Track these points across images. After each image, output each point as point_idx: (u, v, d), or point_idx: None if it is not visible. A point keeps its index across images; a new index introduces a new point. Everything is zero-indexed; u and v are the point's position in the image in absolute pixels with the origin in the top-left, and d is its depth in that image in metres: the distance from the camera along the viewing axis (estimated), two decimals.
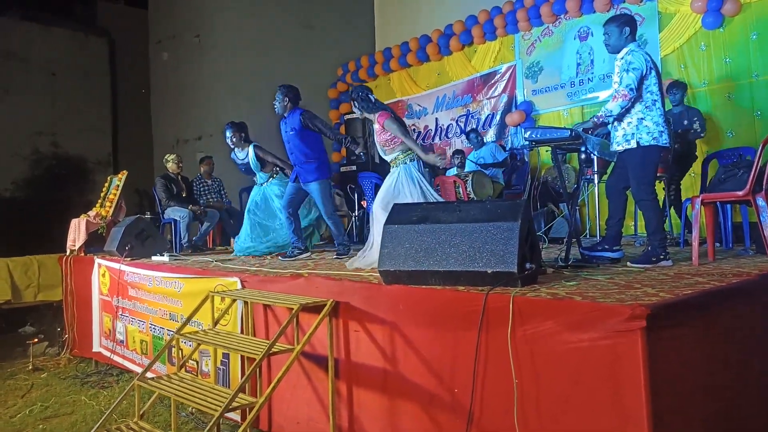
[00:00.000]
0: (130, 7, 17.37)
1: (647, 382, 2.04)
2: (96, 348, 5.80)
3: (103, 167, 16.59)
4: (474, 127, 7.83)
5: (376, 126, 4.22)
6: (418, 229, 2.91)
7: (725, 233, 4.60)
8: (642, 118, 3.50)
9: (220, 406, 2.67)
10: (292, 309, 3.08)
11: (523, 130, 3.69)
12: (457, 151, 7.06)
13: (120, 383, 5.35)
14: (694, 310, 2.29)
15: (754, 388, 2.62)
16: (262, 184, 5.58)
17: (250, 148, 5.43)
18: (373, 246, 3.95)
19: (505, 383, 2.43)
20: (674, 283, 2.70)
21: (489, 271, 2.68)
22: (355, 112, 4.41)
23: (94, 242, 6.40)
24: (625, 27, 3.63)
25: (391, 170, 4.26)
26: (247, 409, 3.49)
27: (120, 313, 5.31)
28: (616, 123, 3.60)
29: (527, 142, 3.63)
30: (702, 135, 5.32)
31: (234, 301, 3.62)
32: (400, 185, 4.07)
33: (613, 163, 4.16)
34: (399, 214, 3.07)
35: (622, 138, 3.55)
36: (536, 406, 2.35)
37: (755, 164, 3.29)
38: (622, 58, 3.59)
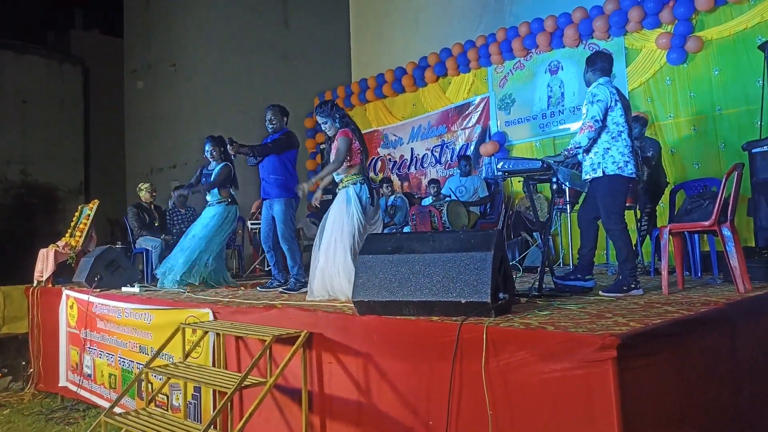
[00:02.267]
0: (106, 35, 17.36)
1: (619, 412, 2.05)
2: (62, 382, 5.61)
3: (74, 196, 16.33)
4: (458, 155, 7.89)
5: (334, 143, 4.13)
6: (392, 260, 2.91)
7: (693, 262, 4.70)
8: (608, 148, 3.61)
9: None
10: (265, 341, 3.04)
11: (496, 161, 3.72)
12: (432, 181, 7.12)
13: (86, 419, 5.17)
14: (663, 338, 2.32)
15: (726, 415, 2.64)
16: (208, 205, 5.39)
17: (221, 165, 5.31)
18: (316, 275, 3.91)
19: (479, 414, 2.42)
20: (644, 312, 2.74)
21: (463, 301, 2.69)
22: (328, 131, 4.22)
23: (63, 273, 6.25)
24: (597, 62, 3.78)
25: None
26: None
27: (88, 346, 5.16)
28: (584, 154, 3.69)
29: (501, 173, 3.68)
30: (652, 163, 5.39)
31: (206, 333, 3.55)
32: (334, 207, 3.99)
33: (584, 194, 4.25)
34: (373, 244, 3.07)
35: (589, 167, 3.65)
36: None
37: (720, 195, 3.39)
38: (588, 92, 3.72)
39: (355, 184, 3.98)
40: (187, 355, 3.53)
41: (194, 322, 3.67)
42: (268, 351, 2.93)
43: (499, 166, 3.66)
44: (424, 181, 8.40)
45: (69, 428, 4.93)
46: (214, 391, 3.60)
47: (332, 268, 3.78)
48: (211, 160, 5.42)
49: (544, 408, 2.26)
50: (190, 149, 9.71)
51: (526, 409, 2.31)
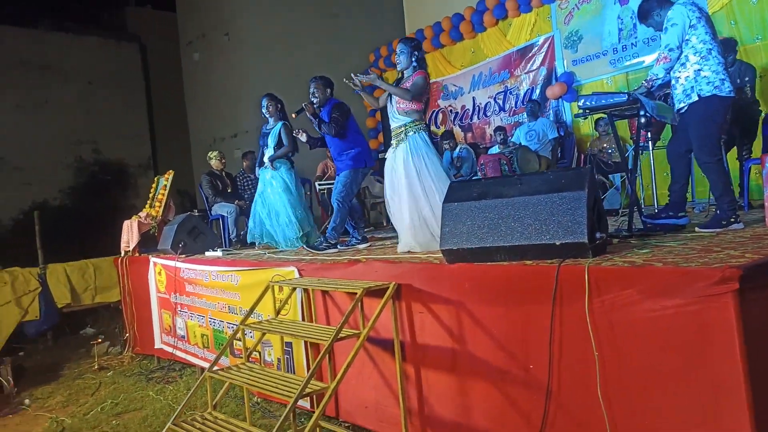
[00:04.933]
0: (158, 10, 17.61)
1: (742, 348, 1.95)
2: (158, 345, 5.94)
3: (143, 170, 16.99)
4: (526, 99, 7.61)
5: (407, 80, 3.95)
6: (479, 206, 2.85)
7: None
8: (699, 69, 3.36)
9: (293, 393, 2.68)
10: (354, 294, 3.08)
11: (577, 99, 3.54)
12: (499, 128, 6.92)
13: (183, 377, 5.47)
14: None
15: None
16: (262, 165, 5.39)
17: (279, 124, 5.30)
18: (402, 230, 3.85)
19: (583, 356, 2.37)
20: (756, 244, 2.58)
21: (557, 243, 2.61)
22: (399, 63, 4.03)
23: (147, 242, 6.55)
24: (653, 4, 3.55)
25: (392, 141, 4.00)
26: (314, 396, 3.53)
27: (179, 309, 5.41)
28: (674, 82, 3.46)
29: (581, 111, 3.50)
30: (750, 100, 5.02)
31: (294, 289, 3.63)
32: (403, 155, 3.83)
33: (668, 126, 4.00)
34: (457, 191, 3.02)
35: (682, 94, 3.41)
36: (619, 379, 2.28)
37: None
38: (666, 16, 3.46)
39: (421, 131, 3.85)
40: (278, 312, 3.63)
41: (281, 280, 3.75)
42: (359, 304, 2.95)
43: (580, 104, 3.47)
44: (489, 130, 8.18)
45: (169, 386, 5.24)
46: (306, 345, 3.72)
47: (425, 215, 3.71)
48: (267, 116, 5.40)
49: (654, 347, 2.18)
50: (248, 116, 9.79)
51: (634, 349, 2.24)
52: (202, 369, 5.21)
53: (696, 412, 2.06)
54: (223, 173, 6.94)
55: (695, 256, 2.39)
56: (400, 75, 4.09)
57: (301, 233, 5.11)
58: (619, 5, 6.73)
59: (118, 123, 16.21)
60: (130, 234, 6.50)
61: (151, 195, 6.93)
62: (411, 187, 3.77)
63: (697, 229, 3.39)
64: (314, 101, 4.76)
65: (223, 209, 6.53)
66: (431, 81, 8.88)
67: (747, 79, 4.96)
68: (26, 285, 7.40)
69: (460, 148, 6.95)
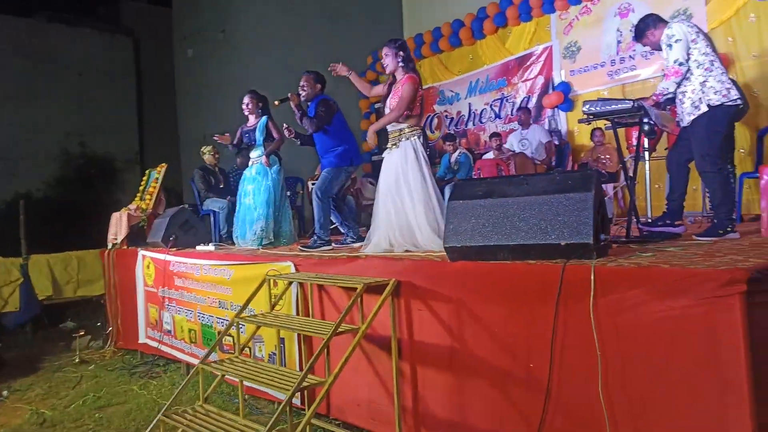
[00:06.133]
0: (154, 5, 17.50)
1: (747, 350, 1.95)
2: (142, 339, 5.83)
3: (130, 166, 16.78)
4: (517, 108, 7.66)
5: (397, 87, 3.95)
6: (484, 204, 2.84)
7: None
8: (704, 81, 3.42)
9: (290, 386, 2.63)
10: (352, 290, 3.04)
11: (584, 104, 3.56)
12: (494, 134, 6.95)
13: (168, 373, 5.39)
14: None
15: None
16: (251, 164, 5.32)
17: (263, 118, 5.24)
18: (377, 229, 3.86)
19: (585, 357, 2.35)
20: (755, 250, 2.60)
21: (562, 243, 2.60)
22: (386, 66, 4.03)
23: (136, 235, 6.45)
24: (647, 21, 3.71)
25: (389, 143, 3.99)
26: (305, 393, 3.49)
27: (166, 303, 5.32)
28: (681, 96, 3.50)
29: (585, 116, 3.52)
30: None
31: (290, 284, 3.59)
32: (397, 159, 3.84)
33: (663, 138, 4.04)
34: (462, 189, 3.00)
35: (690, 106, 3.44)
36: (622, 380, 2.27)
37: None
38: (664, 34, 3.53)
39: (418, 136, 3.86)
40: (273, 307, 3.58)
41: (278, 275, 3.70)
42: (359, 299, 2.92)
43: (585, 109, 3.49)
44: (483, 137, 8.21)
45: (153, 381, 5.15)
46: (300, 340, 3.67)
47: (405, 221, 3.73)
48: (247, 113, 5.35)
49: (659, 349, 2.17)
50: (241, 114, 9.73)
51: (638, 350, 2.23)
52: (188, 364, 5.14)
53: (701, 414, 2.06)
54: (217, 169, 6.87)
55: (699, 259, 2.40)
56: (390, 79, 4.10)
57: (272, 235, 5.11)
58: (618, 18, 6.81)
59: (106, 117, 16.04)
60: (118, 226, 6.39)
61: (141, 188, 6.84)
62: (398, 190, 3.80)
63: (694, 237, 3.41)
64: (302, 94, 4.70)
65: (214, 204, 6.45)
66: (428, 86, 9.03)
67: None
68: (8, 275, 7.26)
69: (459, 153, 6.96)
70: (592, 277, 2.31)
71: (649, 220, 4.24)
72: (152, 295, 5.62)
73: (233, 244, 5.73)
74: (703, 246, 3.00)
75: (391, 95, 3.99)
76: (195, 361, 4.89)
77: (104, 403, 4.65)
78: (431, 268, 3.03)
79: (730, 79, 3.40)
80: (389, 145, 4.00)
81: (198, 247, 5.30)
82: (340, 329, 2.88)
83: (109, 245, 6.56)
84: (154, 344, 5.60)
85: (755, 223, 4.13)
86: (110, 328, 6.53)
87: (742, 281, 1.94)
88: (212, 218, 6.40)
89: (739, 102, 3.41)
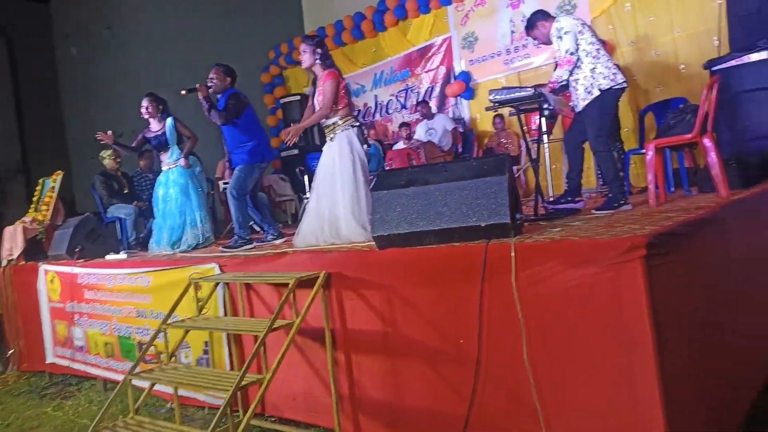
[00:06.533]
0: (29, 1, 16.10)
1: (650, 308, 2.19)
2: (50, 359, 5.47)
3: (13, 175, 15.41)
4: (420, 99, 7.89)
5: (319, 85, 4.00)
6: (407, 193, 2.96)
7: (667, 178, 4.95)
8: (594, 68, 3.74)
9: (229, 387, 2.63)
10: (282, 286, 3.07)
11: (489, 93, 3.78)
12: (404, 124, 7.14)
13: (82, 391, 5.10)
14: (681, 237, 2.48)
15: (741, 311, 2.87)
16: (168, 167, 5.19)
17: (169, 120, 5.11)
18: (307, 218, 3.92)
19: (510, 328, 2.53)
20: (648, 219, 2.90)
21: (483, 225, 2.77)
22: (303, 62, 4.05)
23: (32, 249, 6.01)
24: (537, 16, 4.00)
25: (326, 136, 4.05)
26: (239, 394, 3.47)
27: (76, 318, 5.03)
28: (574, 83, 3.80)
29: (492, 104, 3.74)
30: None
31: (216, 286, 3.54)
32: (333, 152, 3.91)
33: (559, 121, 4.38)
34: (385, 180, 3.11)
35: (584, 92, 3.75)
36: (544, 345, 2.47)
37: (701, 108, 3.57)
38: (553, 27, 3.84)
39: (352, 127, 3.94)
40: (200, 310, 3.52)
41: (202, 277, 3.63)
42: (292, 294, 2.95)
43: (491, 97, 3.72)
44: (391, 128, 8.39)
45: (67, 402, 4.86)
46: (229, 341, 3.63)
47: (336, 213, 3.79)
48: (147, 117, 5.19)
49: (574, 313, 2.39)
50: (136, 114, 9.26)
51: (557, 316, 2.43)
52: (106, 380, 4.90)
53: (612, 370, 2.29)
54: (119, 173, 6.54)
55: (602, 230, 2.66)
56: (312, 76, 4.12)
57: (203, 238, 5.03)
58: (511, 9, 7.20)
59: None
60: (13, 241, 5.93)
61: (35, 198, 6.39)
62: (330, 182, 3.86)
63: (593, 211, 3.74)
64: (210, 86, 4.60)
65: (119, 211, 6.16)
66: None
67: None
68: None
69: (369, 144, 7.07)
70: (513, 254, 2.49)
71: (551, 199, 4.58)
72: (59, 311, 5.28)
73: (145, 250, 5.53)
74: (602, 219, 3.30)
75: (316, 94, 4.04)
76: (114, 376, 4.69)
77: (16, 429, 4.34)
78: (360, 257, 3.11)
79: (615, 64, 3.74)
80: (327, 138, 4.05)
81: (108, 257, 5.05)
82: (276, 324, 2.90)
83: (3, 262, 6.07)
84: (65, 363, 5.28)
85: (643, 194, 4.57)
86: (11, 351, 6.06)
87: (642, 246, 2.18)
88: (119, 225, 6.12)
89: (625, 85, 3.78)
